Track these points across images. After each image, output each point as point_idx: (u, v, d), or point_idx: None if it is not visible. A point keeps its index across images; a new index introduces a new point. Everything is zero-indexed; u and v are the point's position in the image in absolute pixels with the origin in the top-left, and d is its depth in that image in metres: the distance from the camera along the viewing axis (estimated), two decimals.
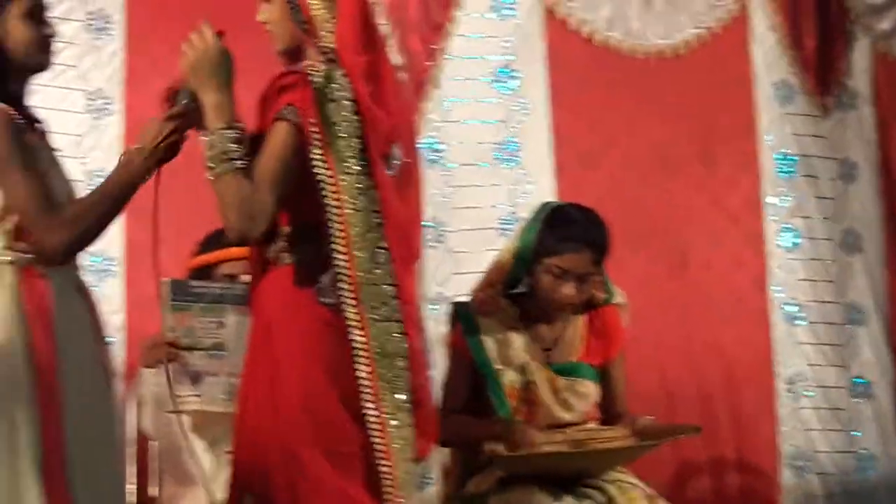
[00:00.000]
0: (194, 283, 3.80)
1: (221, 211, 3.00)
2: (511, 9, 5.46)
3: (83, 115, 4.82)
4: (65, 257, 3.21)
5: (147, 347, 3.81)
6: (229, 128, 3.01)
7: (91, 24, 4.84)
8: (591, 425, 4.08)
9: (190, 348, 3.77)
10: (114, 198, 3.15)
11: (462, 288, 4.31)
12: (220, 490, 3.82)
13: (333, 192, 3.03)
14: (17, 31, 3.22)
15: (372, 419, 3.04)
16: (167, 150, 3.16)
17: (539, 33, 5.49)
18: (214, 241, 4.07)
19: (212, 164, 3.00)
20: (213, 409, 3.84)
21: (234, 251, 4.02)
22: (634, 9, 5.60)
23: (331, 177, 3.03)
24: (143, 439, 4.10)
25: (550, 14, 5.50)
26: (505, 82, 5.44)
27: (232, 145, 2.99)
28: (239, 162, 2.98)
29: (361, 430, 3.05)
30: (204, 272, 4.02)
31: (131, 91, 4.92)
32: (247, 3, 4.89)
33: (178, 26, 4.84)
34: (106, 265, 4.79)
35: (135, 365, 4.04)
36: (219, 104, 3.04)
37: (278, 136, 3.03)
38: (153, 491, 4.14)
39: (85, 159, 4.75)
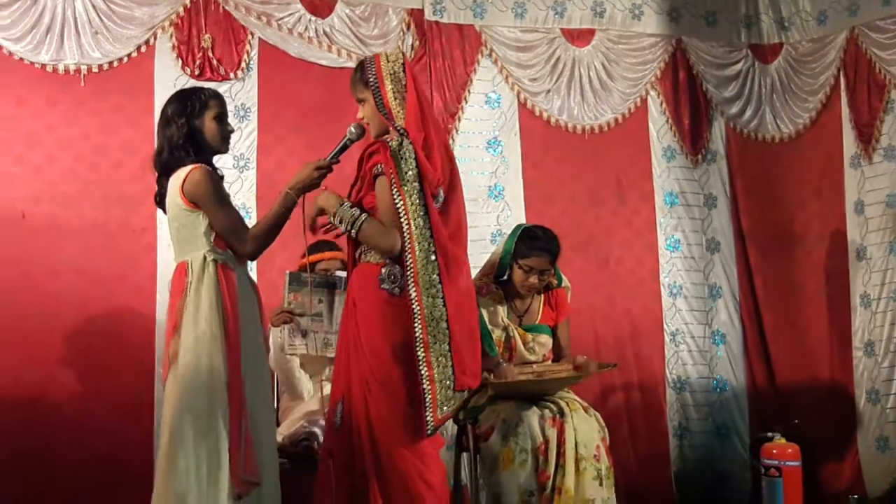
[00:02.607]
0: (304, 274, 3.82)
1: (373, 245, 3.13)
2: (498, 103, 5.42)
3: (232, 170, 4.80)
4: (253, 258, 3.36)
5: (274, 314, 3.83)
6: (343, 203, 3.14)
7: (237, 112, 4.84)
8: (548, 363, 4.13)
9: (300, 315, 3.82)
10: (278, 219, 3.21)
11: None
12: (317, 403, 3.93)
13: (405, 216, 3.07)
14: (211, 127, 3.30)
15: (422, 359, 3.06)
16: (311, 186, 3.22)
17: (515, 117, 5.44)
18: (315, 248, 4.10)
19: (350, 227, 3.10)
20: (313, 353, 3.89)
21: (328, 255, 4.11)
22: (575, 101, 5.53)
23: (403, 206, 3.06)
24: (269, 372, 4.15)
25: (522, 105, 5.45)
26: (494, 148, 5.40)
27: (353, 210, 3.10)
28: (363, 216, 3.09)
29: (410, 367, 3.07)
30: (310, 267, 4.02)
31: (261, 155, 4.91)
32: (332, 98, 4.96)
33: (292, 114, 4.97)
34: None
35: (265, 325, 4.09)
36: (326, 197, 3.18)
37: (384, 189, 3.11)
38: (275, 404, 4.16)
39: (233, 198, 4.74)
